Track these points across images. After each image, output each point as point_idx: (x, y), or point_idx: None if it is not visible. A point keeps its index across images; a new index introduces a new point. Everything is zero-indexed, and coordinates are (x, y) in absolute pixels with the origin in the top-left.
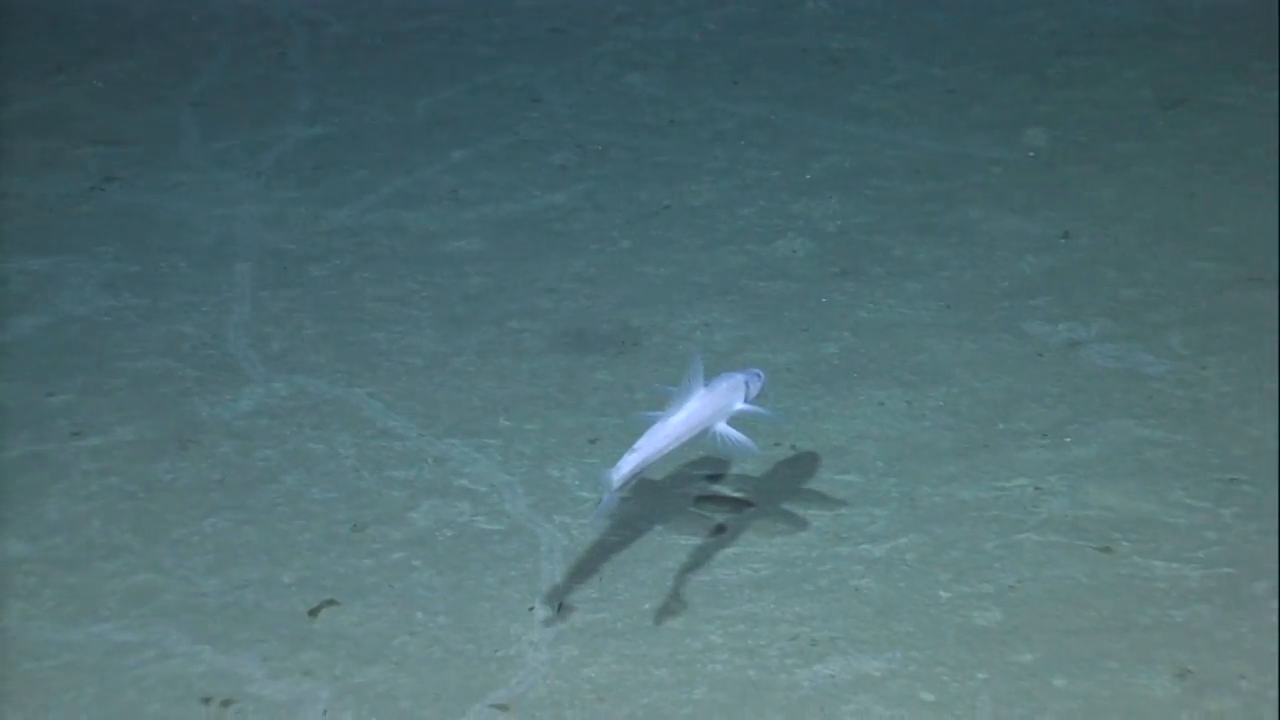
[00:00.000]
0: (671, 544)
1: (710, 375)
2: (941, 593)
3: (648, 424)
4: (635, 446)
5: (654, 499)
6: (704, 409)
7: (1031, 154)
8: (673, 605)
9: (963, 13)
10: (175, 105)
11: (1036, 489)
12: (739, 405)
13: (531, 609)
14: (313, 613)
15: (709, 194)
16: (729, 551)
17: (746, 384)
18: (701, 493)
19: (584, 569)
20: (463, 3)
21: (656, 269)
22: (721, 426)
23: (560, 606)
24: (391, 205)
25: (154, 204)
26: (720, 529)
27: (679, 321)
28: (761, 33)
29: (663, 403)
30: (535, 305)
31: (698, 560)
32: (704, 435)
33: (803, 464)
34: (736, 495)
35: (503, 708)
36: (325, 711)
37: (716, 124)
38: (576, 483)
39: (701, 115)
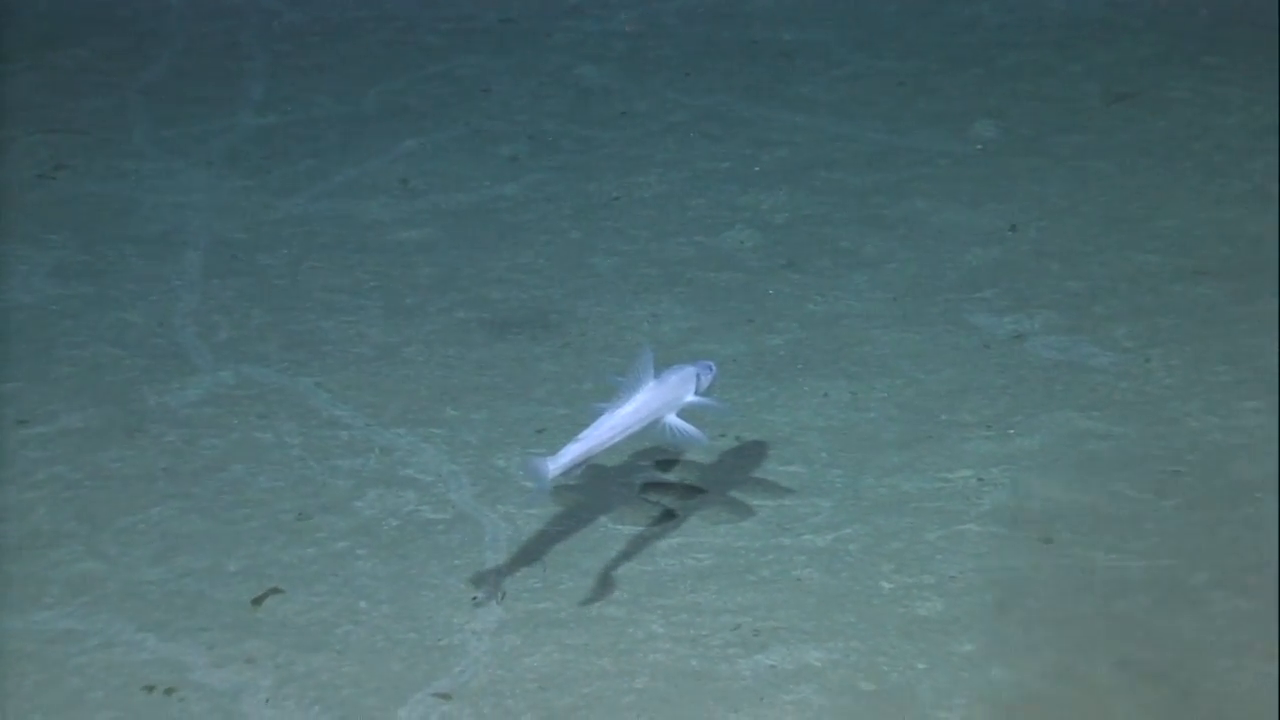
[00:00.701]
0: (616, 533)
1: (660, 366)
2: (883, 583)
3: (596, 415)
4: (579, 436)
5: (600, 488)
6: (653, 401)
7: (979, 147)
8: (615, 595)
9: (913, 5)
10: (127, 93)
11: (979, 480)
12: (689, 398)
13: (475, 598)
14: (256, 602)
15: (659, 185)
16: (673, 541)
17: (697, 376)
18: (649, 480)
19: (527, 558)
20: None
21: (605, 260)
22: (671, 418)
23: (503, 595)
24: (341, 195)
25: (104, 192)
26: (667, 515)
27: (627, 312)
28: (714, 24)
29: (612, 394)
30: (484, 295)
31: (641, 550)
32: (653, 426)
33: (747, 454)
34: (683, 482)
35: (445, 696)
36: (267, 700)
37: (668, 115)
38: (521, 472)
39: (653, 106)
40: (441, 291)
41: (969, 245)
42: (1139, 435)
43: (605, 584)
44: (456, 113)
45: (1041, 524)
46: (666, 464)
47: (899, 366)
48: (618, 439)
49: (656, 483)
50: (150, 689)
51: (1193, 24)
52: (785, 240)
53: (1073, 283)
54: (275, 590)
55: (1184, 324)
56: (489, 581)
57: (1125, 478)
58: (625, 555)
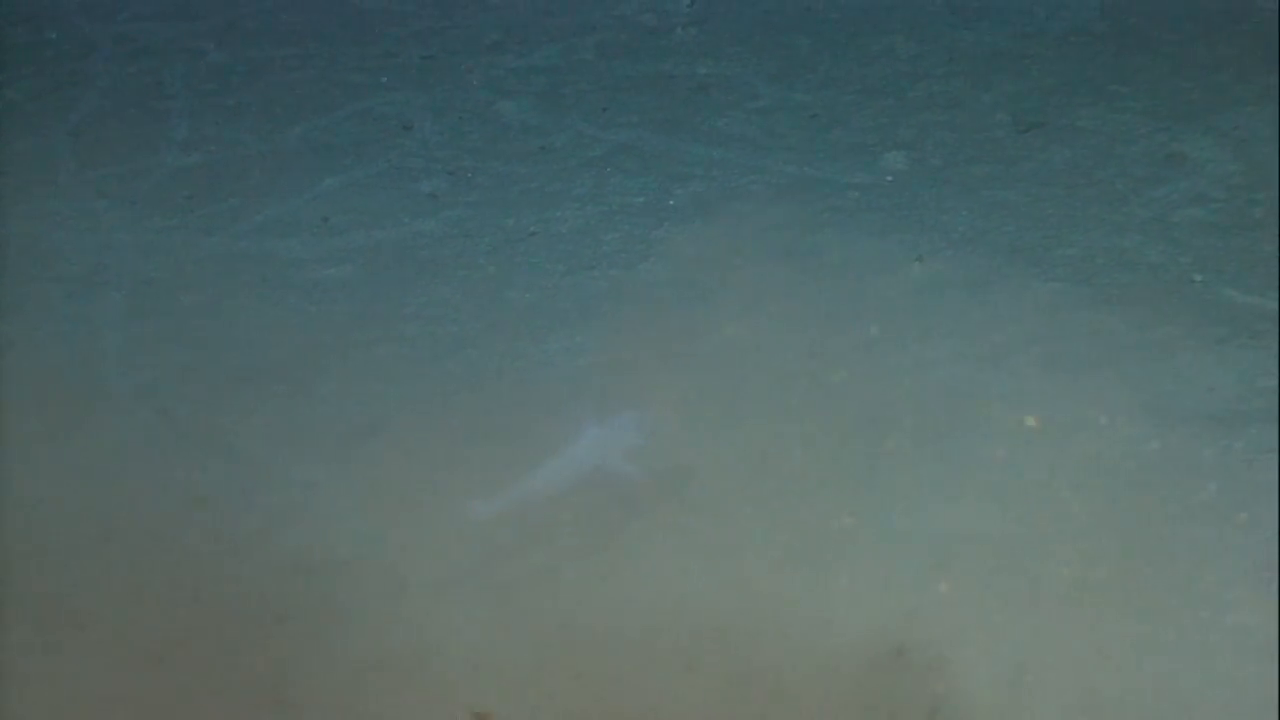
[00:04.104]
0: None
1: (575, 402)
2: None
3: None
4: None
5: None
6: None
7: (890, 178)
8: None
9: (827, 37)
10: (53, 135)
11: (886, 509)
12: (613, 452)
13: None
14: None
15: (575, 220)
16: None
17: (621, 432)
18: None
19: None
20: (338, 29)
21: (521, 295)
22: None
23: None
24: (263, 233)
25: (29, 234)
26: None
27: (541, 347)
28: (631, 59)
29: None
30: (401, 332)
31: None
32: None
33: (665, 485)
34: None
35: None
36: None
37: (585, 150)
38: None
39: (570, 141)
40: (360, 328)
41: (877, 276)
42: (1039, 463)
43: None
44: (377, 150)
45: (946, 550)
46: None
47: (805, 400)
48: (546, 491)
49: None
50: None
51: (1100, 52)
52: (698, 274)
53: (977, 312)
54: None
55: (1084, 351)
56: None
57: (1027, 505)
58: None
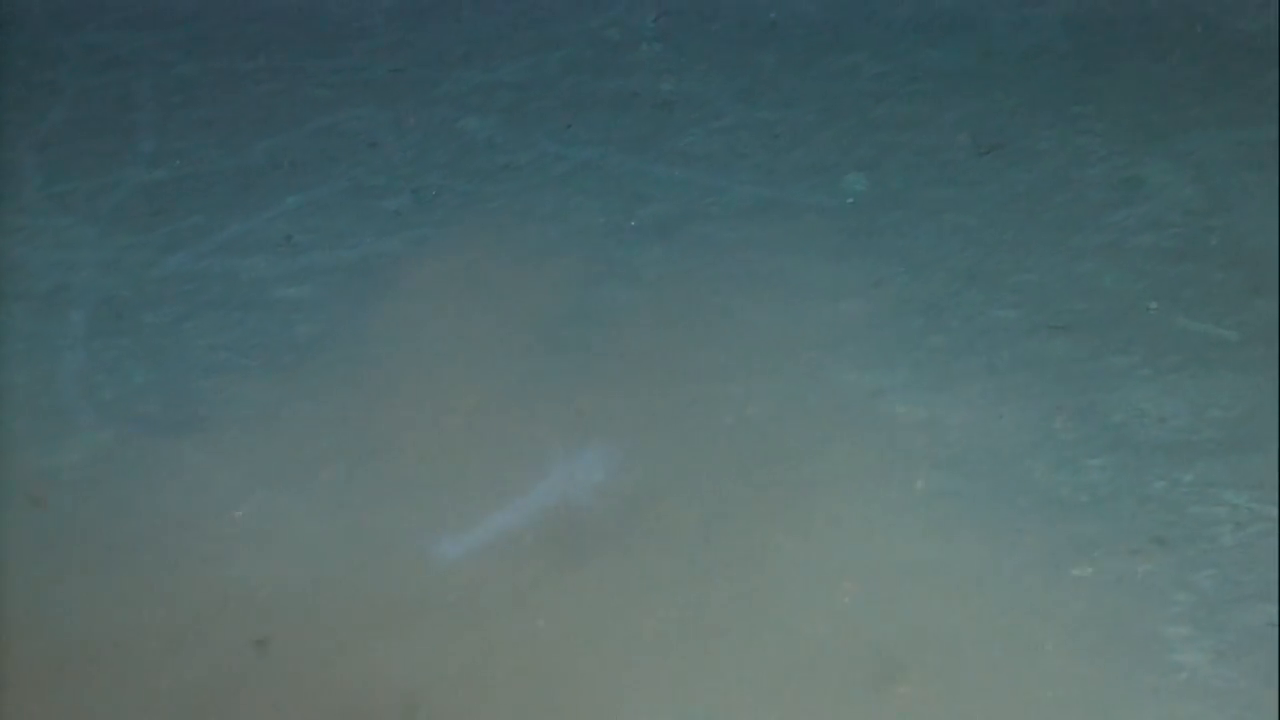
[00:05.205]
0: None
1: (534, 429)
2: None
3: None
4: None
5: None
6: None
7: (850, 200)
8: None
9: (792, 55)
10: (20, 149)
11: (832, 540)
12: (573, 487)
13: None
14: None
15: (536, 240)
16: None
17: (581, 469)
18: None
19: None
20: (307, 42)
21: (480, 318)
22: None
23: None
24: (226, 251)
25: None
26: None
27: (499, 372)
28: (596, 75)
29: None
30: (362, 353)
31: None
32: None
33: (610, 519)
34: None
35: None
36: None
37: (548, 169)
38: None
39: (534, 159)
40: (320, 349)
41: (834, 300)
42: (987, 493)
43: None
44: (342, 167)
45: (889, 583)
46: None
47: (758, 427)
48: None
49: None
50: None
51: (1062, 73)
52: (657, 298)
53: (933, 338)
54: None
55: (1036, 380)
56: None
57: (973, 536)
58: None
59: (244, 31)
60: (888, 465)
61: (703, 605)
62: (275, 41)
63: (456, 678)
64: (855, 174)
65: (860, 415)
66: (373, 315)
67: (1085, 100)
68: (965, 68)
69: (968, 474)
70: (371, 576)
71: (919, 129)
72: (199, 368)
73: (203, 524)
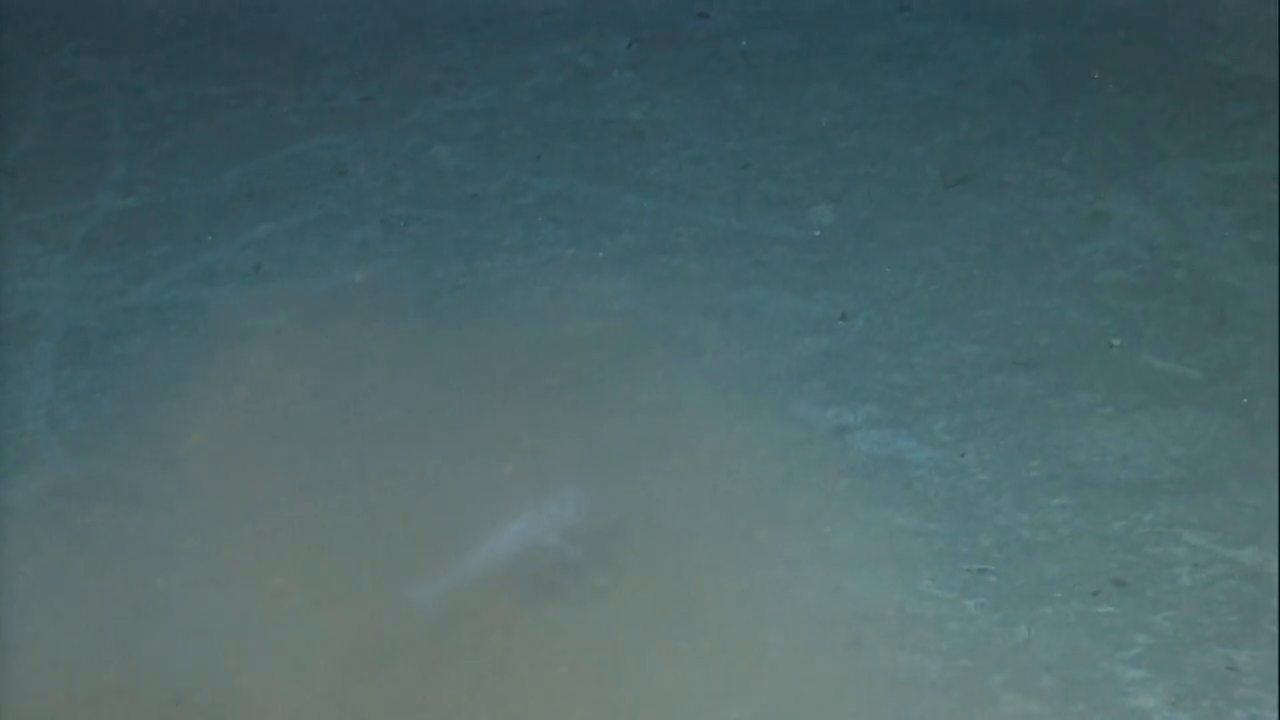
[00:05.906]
0: None
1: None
2: None
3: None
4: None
5: None
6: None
7: (817, 232)
8: None
9: (762, 84)
10: None
11: (793, 578)
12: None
13: None
14: None
15: (504, 271)
16: None
17: (548, 506)
18: None
19: None
20: (278, 67)
21: (446, 350)
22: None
23: None
24: (195, 281)
25: None
26: None
27: (464, 405)
28: (566, 103)
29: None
30: (328, 386)
31: None
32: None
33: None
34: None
35: None
36: None
37: (517, 199)
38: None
39: (503, 189)
40: (285, 382)
41: (800, 334)
42: (948, 532)
43: None
44: (311, 195)
45: (850, 625)
46: None
47: (722, 461)
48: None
49: None
50: None
51: (1031, 103)
52: (623, 330)
53: (897, 374)
54: None
55: (1000, 417)
56: None
57: (932, 576)
58: None
59: (215, 58)
60: (849, 503)
61: (654, 645)
62: (246, 68)
63: None
64: (823, 205)
65: (823, 452)
66: (340, 347)
67: (1053, 132)
68: (934, 98)
69: (930, 513)
70: (332, 614)
71: (887, 160)
72: (166, 399)
73: (162, 555)
